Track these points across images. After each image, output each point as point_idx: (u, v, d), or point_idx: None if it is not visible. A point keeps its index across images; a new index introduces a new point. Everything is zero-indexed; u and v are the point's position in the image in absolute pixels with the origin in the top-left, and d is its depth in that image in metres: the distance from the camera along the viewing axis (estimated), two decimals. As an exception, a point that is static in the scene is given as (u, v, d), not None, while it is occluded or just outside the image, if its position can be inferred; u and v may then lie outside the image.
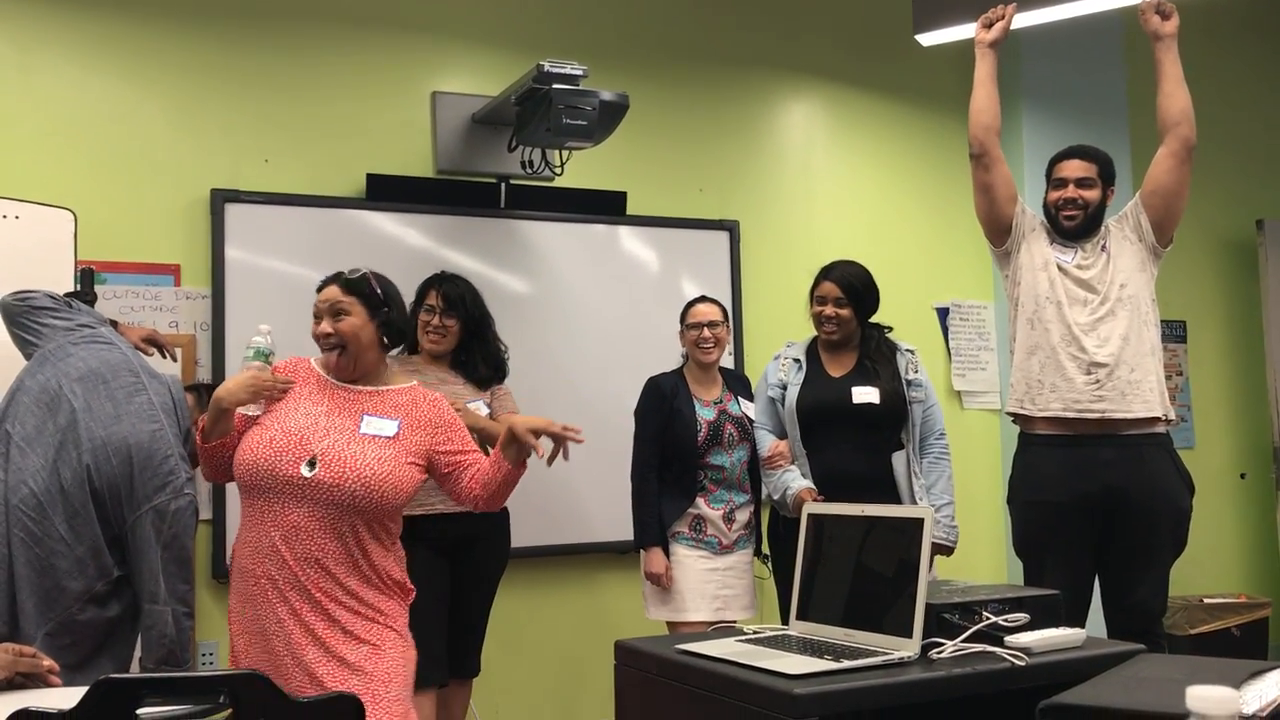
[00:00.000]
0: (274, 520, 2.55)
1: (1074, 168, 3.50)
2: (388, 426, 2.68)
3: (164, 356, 3.42)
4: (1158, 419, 3.39)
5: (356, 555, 2.58)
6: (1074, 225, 3.47)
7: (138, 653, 2.89)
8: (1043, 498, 3.43)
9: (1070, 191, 3.47)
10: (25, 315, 2.99)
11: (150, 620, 2.79)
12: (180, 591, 2.82)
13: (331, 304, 2.73)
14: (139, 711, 1.62)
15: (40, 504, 2.73)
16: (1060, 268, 3.46)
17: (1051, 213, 3.51)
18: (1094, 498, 3.35)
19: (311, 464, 2.55)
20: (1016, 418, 3.56)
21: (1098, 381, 3.35)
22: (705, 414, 3.83)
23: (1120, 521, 3.36)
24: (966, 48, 3.76)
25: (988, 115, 3.54)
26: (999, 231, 3.60)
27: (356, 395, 2.73)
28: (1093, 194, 3.48)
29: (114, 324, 3.22)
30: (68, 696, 1.65)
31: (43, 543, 2.72)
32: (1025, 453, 3.54)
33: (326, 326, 2.73)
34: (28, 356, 2.98)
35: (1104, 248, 3.47)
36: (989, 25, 3.60)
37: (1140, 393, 3.35)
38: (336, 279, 2.77)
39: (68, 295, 3.15)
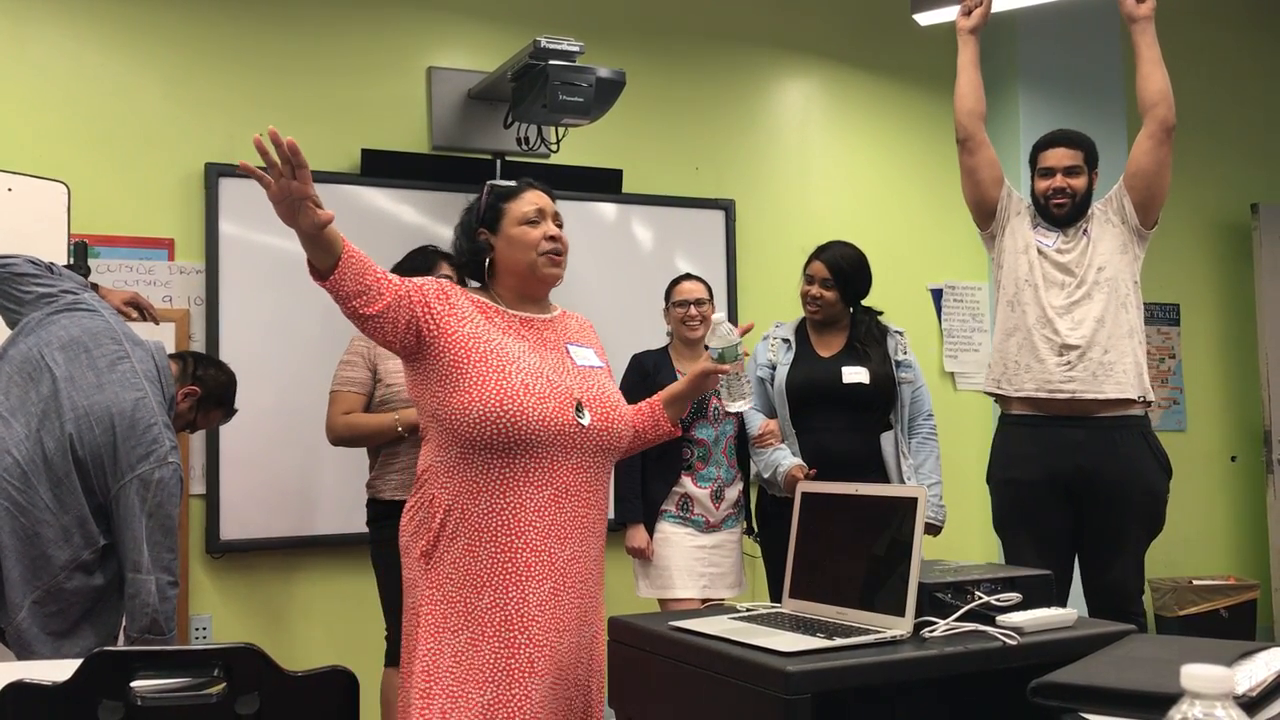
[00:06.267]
0: (541, 480, 2.24)
1: (1060, 156, 3.50)
2: (592, 355, 2.45)
3: (144, 319, 3.36)
4: (1132, 401, 3.40)
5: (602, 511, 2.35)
6: (1064, 213, 3.49)
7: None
8: (1017, 476, 3.47)
9: (1059, 181, 3.48)
10: (6, 282, 2.96)
11: (134, 589, 2.79)
12: (165, 560, 2.81)
13: (555, 211, 2.41)
14: (133, 684, 1.62)
15: (25, 473, 2.72)
16: (1040, 251, 3.49)
17: (1041, 202, 3.52)
18: (1066, 477, 3.38)
19: (579, 409, 2.27)
20: (996, 397, 3.60)
21: (1069, 363, 3.38)
22: None
23: (1092, 502, 3.39)
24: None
25: (971, 100, 3.57)
26: (985, 215, 3.63)
27: (543, 323, 2.42)
28: (1080, 181, 3.49)
29: (95, 287, 3.20)
30: (61, 669, 1.65)
31: (28, 512, 2.71)
32: (1001, 432, 3.59)
33: (554, 229, 2.39)
34: (10, 324, 2.97)
35: (1085, 231, 3.49)
36: (969, 12, 3.63)
37: (1113, 375, 3.37)
38: (538, 183, 2.46)
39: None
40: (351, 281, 2.12)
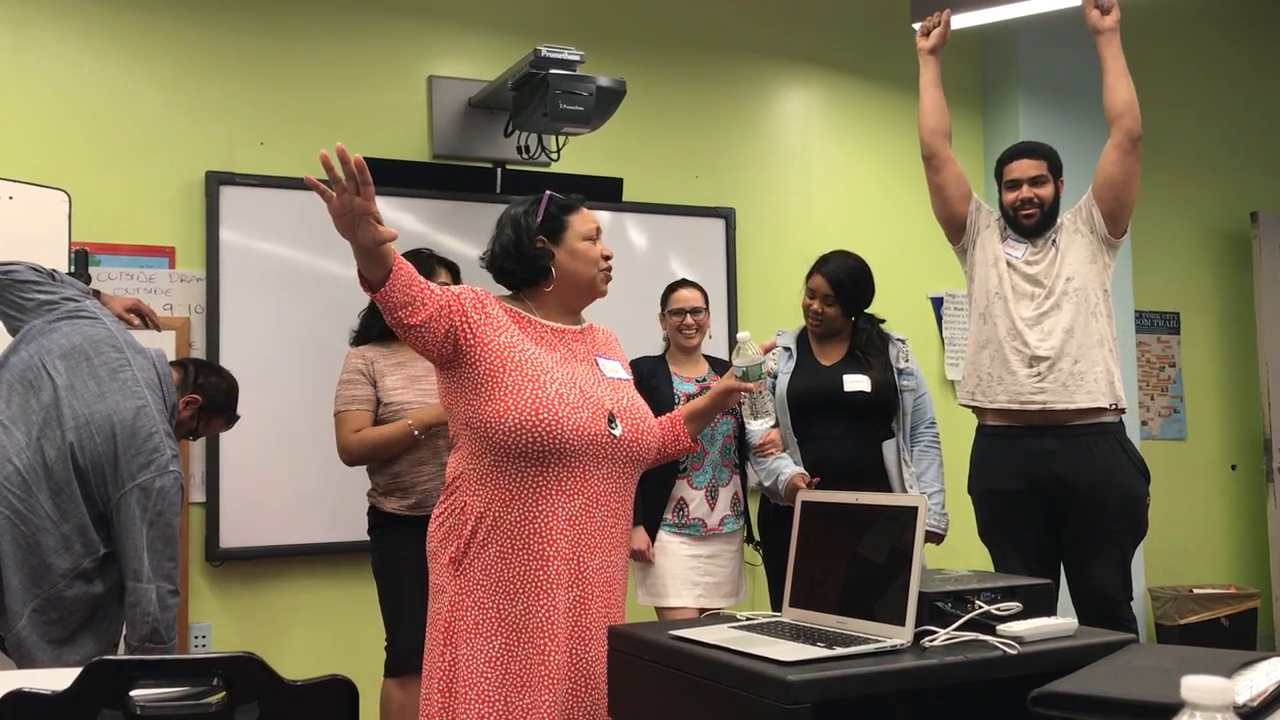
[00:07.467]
0: (572, 489, 2.28)
1: (1025, 167, 3.55)
2: (619, 368, 2.49)
3: (147, 326, 3.34)
4: (1104, 409, 3.43)
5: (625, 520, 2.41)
6: (1033, 223, 3.53)
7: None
8: (996, 486, 3.52)
9: (1026, 192, 3.52)
10: (8, 289, 2.96)
11: (134, 597, 2.78)
12: (165, 569, 2.81)
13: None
14: (132, 693, 1.62)
15: (25, 481, 2.71)
16: (1009, 263, 3.53)
17: (1010, 214, 3.56)
18: (1044, 486, 3.42)
19: (612, 420, 2.32)
20: (973, 409, 3.63)
21: (1039, 374, 3.42)
22: (685, 388, 3.83)
23: (1070, 509, 3.42)
24: (961, 37, 3.78)
25: (933, 118, 3.63)
26: (955, 230, 3.69)
27: (574, 335, 2.46)
28: (1046, 191, 3.53)
29: (97, 294, 3.20)
30: (60, 678, 1.65)
31: (28, 520, 2.70)
32: (978, 443, 3.64)
33: (607, 249, 2.46)
34: (12, 331, 2.96)
35: (1054, 242, 3.53)
36: (927, 33, 3.70)
37: (1084, 384, 3.40)
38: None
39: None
40: (400, 293, 2.18)
